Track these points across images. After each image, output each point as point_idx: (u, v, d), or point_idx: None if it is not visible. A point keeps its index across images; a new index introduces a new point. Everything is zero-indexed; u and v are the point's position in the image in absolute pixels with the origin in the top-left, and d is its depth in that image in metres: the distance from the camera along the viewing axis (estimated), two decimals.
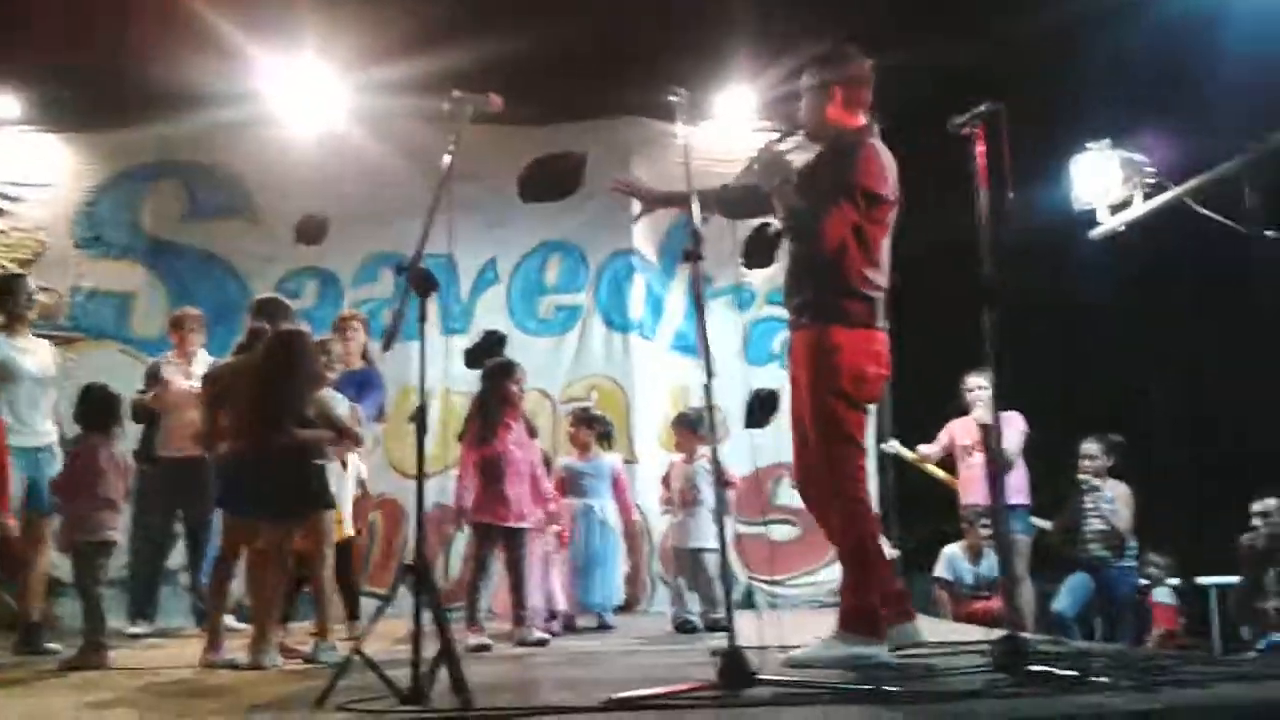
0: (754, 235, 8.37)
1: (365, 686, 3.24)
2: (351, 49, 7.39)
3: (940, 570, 7.52)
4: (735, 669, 3.15)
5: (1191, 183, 4.90)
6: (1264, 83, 4.96)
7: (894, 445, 8.08)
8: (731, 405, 8.31)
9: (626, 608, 7.45)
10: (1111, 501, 6.84)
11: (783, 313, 8.17)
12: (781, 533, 8.25)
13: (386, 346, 3.59)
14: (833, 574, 8.10)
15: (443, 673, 3.18)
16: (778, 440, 8.25)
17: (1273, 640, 6.20)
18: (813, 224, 3.94)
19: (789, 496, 8.25)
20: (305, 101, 7.83)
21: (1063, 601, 6.78)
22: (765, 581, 8.13)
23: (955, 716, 2.57)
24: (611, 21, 7.42)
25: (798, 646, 4.25)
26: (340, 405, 4.99)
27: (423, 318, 3.40)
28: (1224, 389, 5.52)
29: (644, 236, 8.18)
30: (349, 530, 5.64)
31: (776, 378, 8.33)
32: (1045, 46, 5.76)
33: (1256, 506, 6.20)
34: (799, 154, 4.25)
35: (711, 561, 5.99)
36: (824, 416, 3.96)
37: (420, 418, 3.38)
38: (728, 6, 6.94)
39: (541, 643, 5.34)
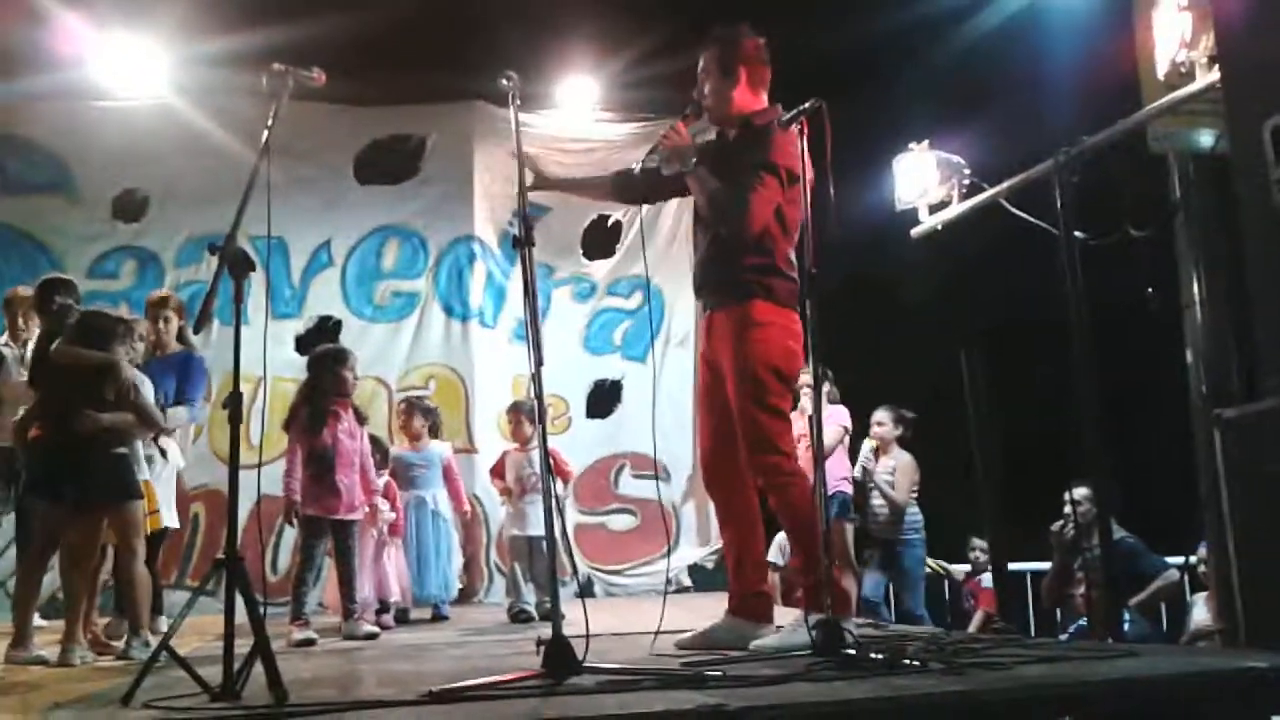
0: (593, 226, 8.40)
1: (175, 683, 3.10)
2: (177, 19, 7.05)
3: (771, 556, 7.64)
4: (559, 657, 3.14)
5: (1005, 185, 5.11)
6: (1075, 91, 5.24)
7: None
8: (573, 395, 8.34)
9: (463, 598, 7.39)
10: (892, 473, 6.84)
11: (622, 303, 8.43)
12: (621, 522, 8.30)
13: (198, 329, 3.44)
14: (672, 561, 8.24)
15: (258, 669, 3.08)
16: (619, 431, 8.35)
17: (1080, 625, 6.51)
18: (739, 204, 3.89)
19: (630, 486, 8.34)
20: (128, 74, 7.46)
21: (865, 585, 6.91)
22: (604, 571, 8.17)
23: (770, 700, 2.61)
24: (455, 5, 7.31)
25: (626, 634, 4.28)
26: (145, 389, 4.76)
27: (238, 300, 3.26)
28: (1037, 380, 5.81)
29: (485, 223, 8.09)
30: (168, 522, 5.41)
31: (617, 368, 8.39)
32: (873, 50, 5.95)
33: (1069, 495, 6.48)
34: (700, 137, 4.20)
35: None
36: (758, 391, 3.88)
37: (235, 405, 3.23)
38: None
39: (371, 636, 5.21)
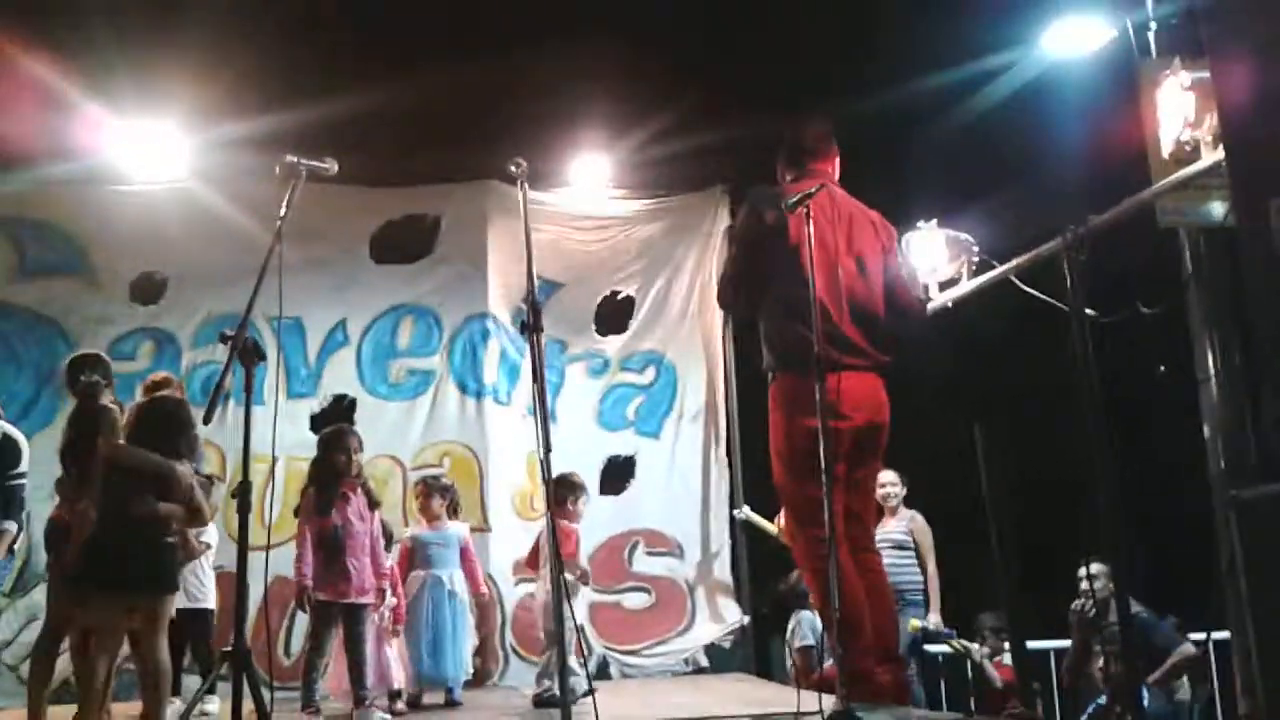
0: (606, 302, 8.43)
1: None
2: (195, 104, 7.18)
3: (803, 637, 7.45)
4: None
5: (1014, 262, 5.12)
6: (1085, 167, 5.26)
7: (746, 511, 8.15)
8: (587, 472, 8.26)
9: (478, 681, 7.28)
10: (909, 533, 6.81)
11: (636, 378, 8.42)
12: (636, 600, 8.19)
13: (207, 419, 3.44)
14: (685, 643, 8.13)
15: None
16: (632, 507, 8.27)
17: (1098, 703, 6.38)
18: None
19: (644, 564, 8.25)
20: (146, 158, 7.58)
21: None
22: (619, 651, 8.05)
23: None
24: (468, 86, 7.43)
25: None
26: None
27: (248, 389, 3.29)
28: (1048, 457, 5.76)
29: (499, 300, 8.12)
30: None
31: (630, 444, 8.34)
32: (880, 127, 6.02)
33: (1084, 571, 6.40)
34: None
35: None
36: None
37: (243, 492, 3.25)
38: (580, 77, 7.04)
39: None
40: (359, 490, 5.46)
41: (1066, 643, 6.91)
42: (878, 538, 6.19)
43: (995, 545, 5.17)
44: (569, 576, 6.08)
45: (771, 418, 4.18)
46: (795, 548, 4.33)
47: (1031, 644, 6.42)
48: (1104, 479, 4.37)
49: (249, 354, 3.30)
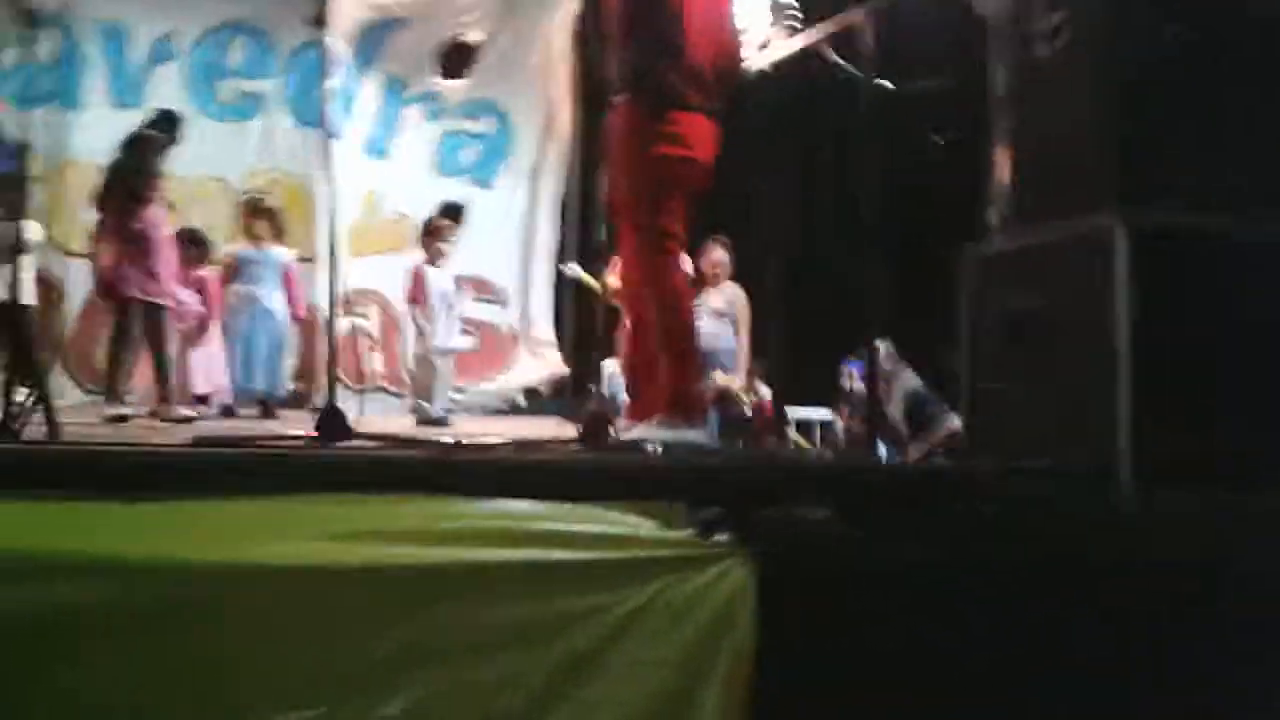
0: (448, 44, 8.22)
1: None
2: None
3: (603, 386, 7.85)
4: (330, 424, 3.39)
5: (824, 26, 5.20)
6: None
7: (575, 268, 8.36)
8: (419, 215, 8.33)
9: (298, 404, 7.52)
10: (730, 307, 7.09)
11: (474, 126, 8.40)
12: (459, 342, 8.44)
13: None
14: (506, 382, 8.48)
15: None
16: (461, 254, 8.38)
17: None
18: None
19: (469, 308, 8.45)
20: None
21: None
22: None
23: (494, 457, 2.90)
24: None
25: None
26: None
27: None
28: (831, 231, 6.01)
29: (337, 29, 7.88)
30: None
31: (463, 191, 8.39)
32: None
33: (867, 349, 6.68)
34: None
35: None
36: None
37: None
38: None
39: (188, 419, 5.39)
40: (161, 196, 5.53)
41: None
42: (697, 305, 6.57)
43: (772, 318, 5.39)
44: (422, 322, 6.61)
45: (627, 146, 4.15)
46: (634, 275, 4.31)
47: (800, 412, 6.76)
48: (869, 257, 4.59)
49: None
